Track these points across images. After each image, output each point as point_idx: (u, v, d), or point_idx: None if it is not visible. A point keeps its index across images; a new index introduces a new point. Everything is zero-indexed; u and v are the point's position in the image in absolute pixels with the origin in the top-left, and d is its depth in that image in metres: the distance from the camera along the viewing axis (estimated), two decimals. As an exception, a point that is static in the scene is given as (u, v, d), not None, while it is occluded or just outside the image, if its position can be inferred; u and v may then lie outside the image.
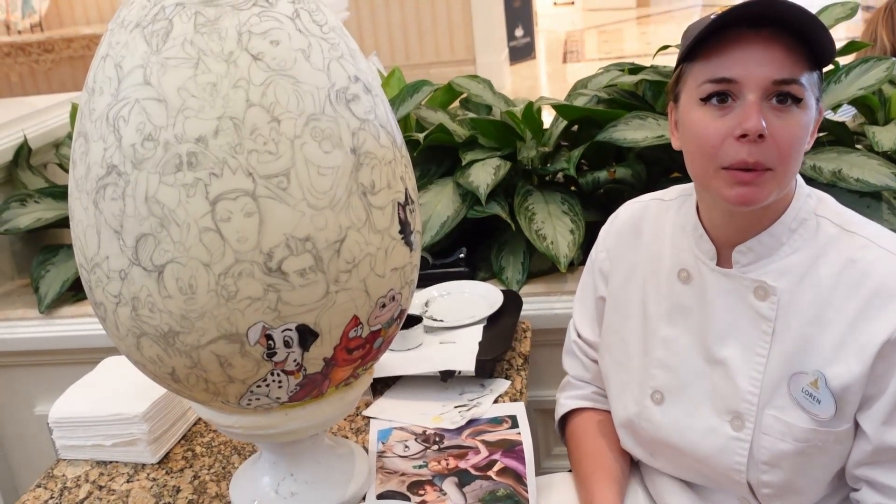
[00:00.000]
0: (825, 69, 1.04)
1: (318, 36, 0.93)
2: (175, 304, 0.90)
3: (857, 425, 1.03)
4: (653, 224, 1.19)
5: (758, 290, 1.05)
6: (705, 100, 0.99)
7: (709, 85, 0.98)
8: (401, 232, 0.98)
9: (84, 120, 0.93)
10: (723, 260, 1.09)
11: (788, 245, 1.05)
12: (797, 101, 0.96)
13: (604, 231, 1.27)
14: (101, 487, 1.30)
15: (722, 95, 0.98)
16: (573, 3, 10.85)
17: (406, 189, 1.00)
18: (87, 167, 0.92)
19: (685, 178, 1.47)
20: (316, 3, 0.96)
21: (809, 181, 1.56)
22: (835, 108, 1.69)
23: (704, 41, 0.98)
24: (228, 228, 0.87)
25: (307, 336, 0.93)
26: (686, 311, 1.12)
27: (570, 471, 1.29)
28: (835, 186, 1.55)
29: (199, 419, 1.45)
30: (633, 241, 1.21)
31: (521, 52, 7.46)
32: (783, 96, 0.96)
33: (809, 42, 0.96)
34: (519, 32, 7.39)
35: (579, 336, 1.30)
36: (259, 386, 0.96)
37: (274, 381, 0.96)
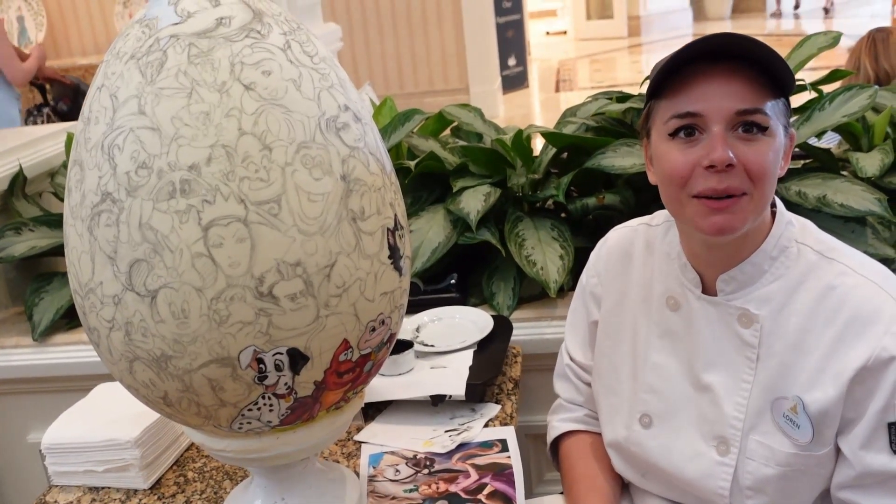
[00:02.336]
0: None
1: (309, 66, 0.95)
2: (168, 329, 0.91)
3: (838, 449, 1.04)
4: (642, 249, 1.21)
5: (741, 317, 1.06)
6: (673, 134, 1.01)
7: (675, 120, 1.00)
8: (390, 257, 1.00)
9: (80, 149, 0.95)
10: (708, 287, 1.10)
11: (770, 273, 1.06)
12: (763, 129, 0.98)
13: (594, 256, 1.29)
14: (93, 513, 1.30)
15: (689, 129, 1.00)
16: (565, 32, 10.97)
17: (395, 215, 1.02)
18: (82, 194, 0.93)
19: (672, 204, 1.49)
20: (307, 34, 0.99)
21: (795, 206, 1.58)
22: (819, 134, 1.72)
23: (668, 78, 1.01)
24: (220, 254, 0.88)
25: (298, 360, 0.94)
26: (675, 337, 1.13)
27: (561, 493, 1.29)
28: (820, 212, 1.57)
29: (192, 445, 1.45)
30: (623, 266, 1.22)
31: (514, 81, 7.53)
32: (748, 125, 0.98)
33: (771, 71, 0.98)
34: (512, 62, 7.47)
35: (572, 360, 1.31)
36: (250, 409, 0.97)
37: (265, 404, 0.97)
